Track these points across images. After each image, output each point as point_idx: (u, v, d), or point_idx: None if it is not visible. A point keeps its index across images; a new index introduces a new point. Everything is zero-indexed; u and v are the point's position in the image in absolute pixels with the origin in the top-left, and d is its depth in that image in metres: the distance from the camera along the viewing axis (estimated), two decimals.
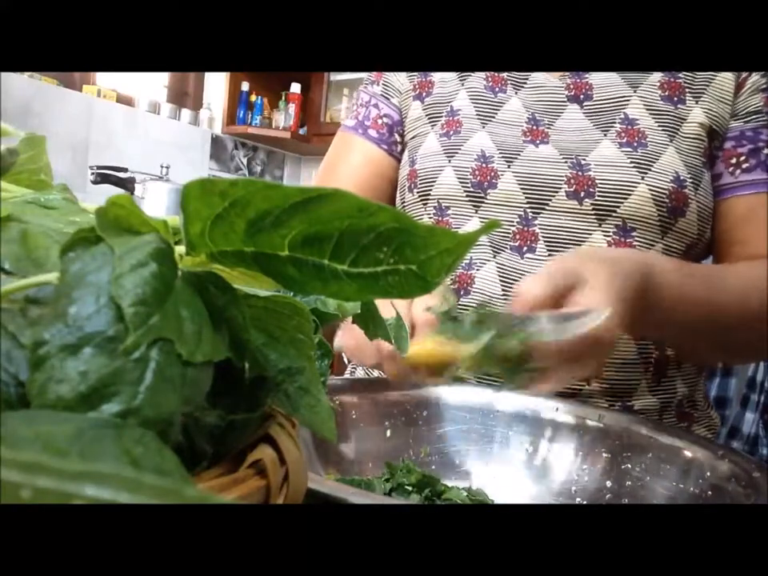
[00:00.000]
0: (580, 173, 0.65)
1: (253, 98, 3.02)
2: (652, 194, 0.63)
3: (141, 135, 2.57)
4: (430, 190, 0.72)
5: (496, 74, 0.73)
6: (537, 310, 0.44)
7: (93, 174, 1.99)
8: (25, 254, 0.19)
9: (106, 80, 2.56)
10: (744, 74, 0.66)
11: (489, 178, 0.68)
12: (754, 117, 0.66)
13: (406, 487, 0.49)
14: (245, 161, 3.08)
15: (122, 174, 2.04)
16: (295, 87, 3.01)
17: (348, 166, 0.81)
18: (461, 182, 0.69)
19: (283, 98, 3.05)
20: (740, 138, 0.66)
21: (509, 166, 0.68)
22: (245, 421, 0.20)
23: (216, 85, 2.96)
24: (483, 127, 0.71)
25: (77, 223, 0.22)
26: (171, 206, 2.00)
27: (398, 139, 0.80)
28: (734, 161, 0.66)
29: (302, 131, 3.03)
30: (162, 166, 2.20)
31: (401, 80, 0.80)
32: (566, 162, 0.66)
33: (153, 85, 2.75)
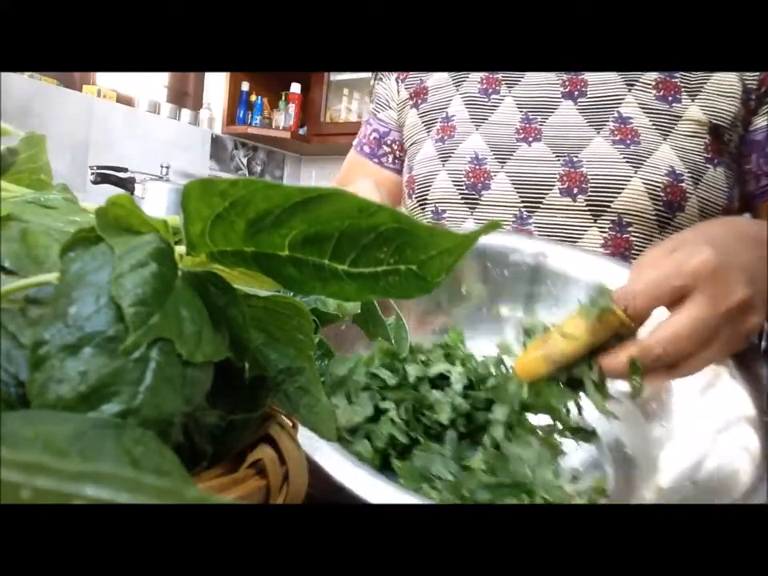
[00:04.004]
0: (572, 169, 0.65)
1: (253, 98, 3.02)
2: (646, 188, 0.62)
3: (141, 135, 2.57)
4: (427, 194, 0.73)
5: (490, 76, 0.74)
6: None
7: (93, 174, 1.99)
8: (25, 252, 0.19)
9: (106, 80, 2.56)
10: None
11: (482, 179, 0.69)
12: None
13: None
14: (245, 161, 3.08)
15: (122, 174, 2.04)
16: (295, 87, 3.01)
17: (351, 182, 0.87)
18: (455, 185, 0.71)
19: (283, 97, 3.05)
20: None
21: (502, 167, 0.69)
22: (245, 421, 0.20)
23: (216, 85, 2.96)
24: (477, 129, 0.72)
25: (77, 223, 0.22)
26: (171, 206, 2.00)
27: (387, 150, 0.84)
28: None
29: (302, 131, 3.03)
30: (162, 166, 2.20)
31: (392, 93, 0.83)
32: (558, 160, 0.66)
33: (153, 85, 2.75)
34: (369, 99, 2.79)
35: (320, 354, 0.41)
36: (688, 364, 0.40)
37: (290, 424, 0.22)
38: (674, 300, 0.40)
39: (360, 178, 0.86)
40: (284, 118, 3.02)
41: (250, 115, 3.00)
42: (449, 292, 0.59)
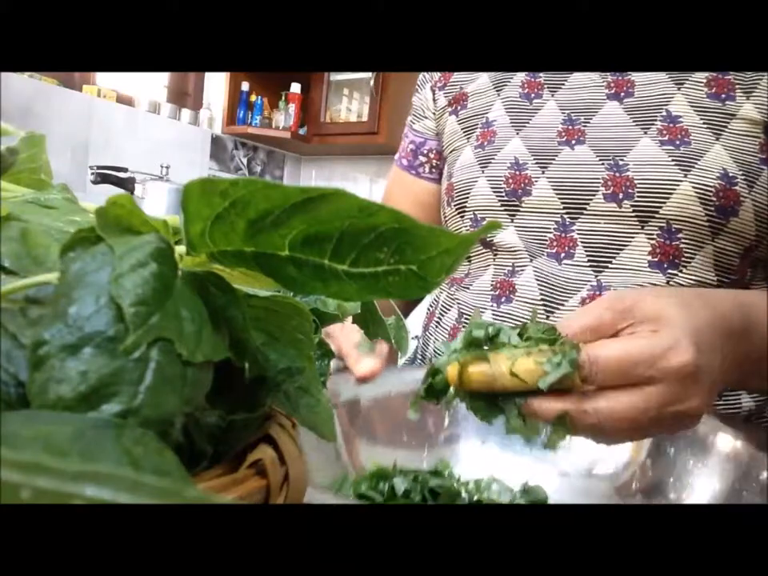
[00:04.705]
0: (617, 173, 0.62)
1: (253, 98, 3.02)
2: (696, 192, 0.59)
3: (141, 135, 2.57)
4: (466, 201, 0.71)
5: (532, 80, 0.72)
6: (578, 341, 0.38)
7: (93, 174, 1.99)
8: (25, 252, 0.19)
9: (106, 80, 2.56)
10: None
11: (522, 185, 0.67)
12: None
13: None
14: (245, 161, 3.08)
15: (122, 174, 2.04)
16: (295, 87, 3.01)
17: (393, 198, 0.86)
18: (494, 192, 0.68)
19: (283, 97, 3.05)
20: None
21: (543, 172, 0.66)
22: (245, 421, 0.20)
23: (216, 85, 2.96)
24: (517, 134, 0.69)
25: (77, 222, 0.22)
26: (171, 206, 2.00)
27: (423, 160, 0.83)
28: None
29: (302, 131, 3.03)
30: (162, 166, 2.20)
31: (427, 102, 0.82)
32: (602, 164, 0.63)
33: (153, 85, 2.75)
34: (369, 99, 2.79)
35: (320, 354, 0.41)
36: (614, 440, 0.38)
37: (290, 424, 0.22)
38: (636, 383, 0.37)
39: (400, 191, 0.85)
40: (284, 118, 3.02)
41: (250, 115, 3.00)
42: (438, 427, 0.58)
